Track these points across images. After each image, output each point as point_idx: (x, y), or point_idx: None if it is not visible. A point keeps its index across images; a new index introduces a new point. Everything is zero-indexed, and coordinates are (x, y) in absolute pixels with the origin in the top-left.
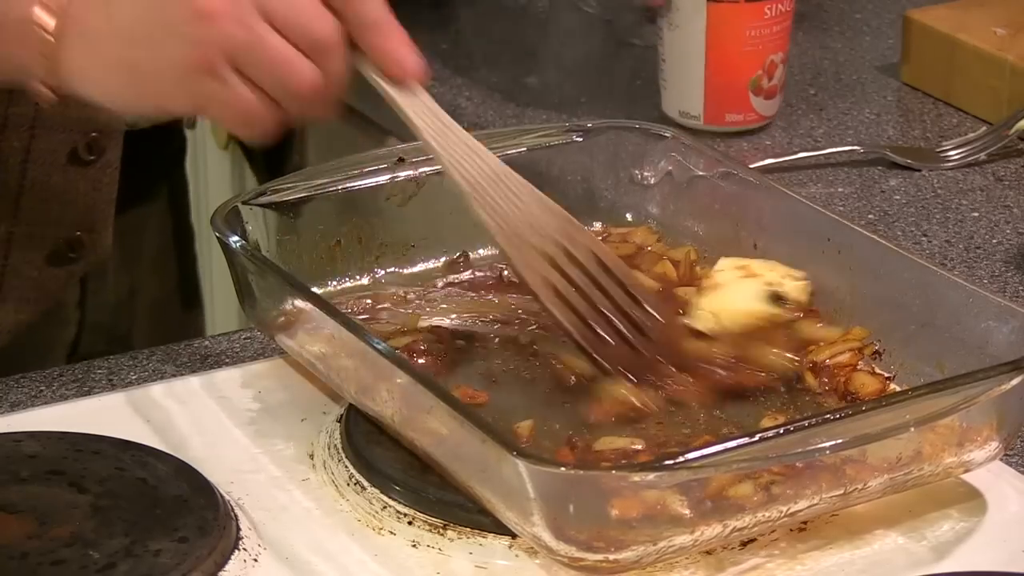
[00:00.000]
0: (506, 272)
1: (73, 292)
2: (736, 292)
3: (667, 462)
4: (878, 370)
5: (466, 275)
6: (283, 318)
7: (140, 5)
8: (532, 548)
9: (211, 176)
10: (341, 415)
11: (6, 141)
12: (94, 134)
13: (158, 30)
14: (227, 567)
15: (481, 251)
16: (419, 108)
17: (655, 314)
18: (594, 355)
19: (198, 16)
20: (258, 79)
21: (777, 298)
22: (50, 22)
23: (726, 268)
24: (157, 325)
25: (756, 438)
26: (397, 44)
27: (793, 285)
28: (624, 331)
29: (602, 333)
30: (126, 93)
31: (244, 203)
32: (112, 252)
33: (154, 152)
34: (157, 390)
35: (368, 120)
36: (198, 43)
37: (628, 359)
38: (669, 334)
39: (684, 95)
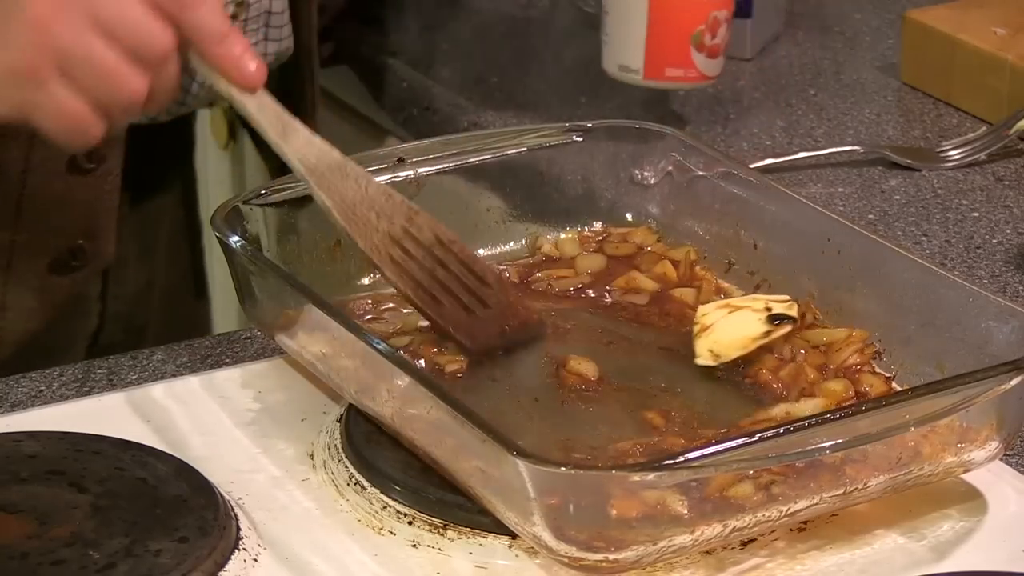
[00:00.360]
0: (506, 273)
1: (95, 285)
2: (730, 324)
3: (667, 462)
4: (878, 369)
5: None
6: (283, 318)
7: None
8: (532, 548)
9: (211, 176)
10: (341, 415)
11: (5, 151)
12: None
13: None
14: (227, 567)
15: (481, 251)
16: (262, 108)
17: (488, 281)
18: (429, 314)
19: (27, 23)
20: (85, 88)
21: (774, 318)
22: None
23: (711, 310)
24: (171, 316)
25: (756, 438)
26: (237, 53)
27: (783, 307)
28: (458, 295)
29: (438, 296)
30: None
31: (244, 203)
32: (119, 249)
33: (166, 145)
34: (157, 390)
35: (368, 120)
36: (25, 49)
37: (462, 319)
38: (500, 298)
39: (624, 49)
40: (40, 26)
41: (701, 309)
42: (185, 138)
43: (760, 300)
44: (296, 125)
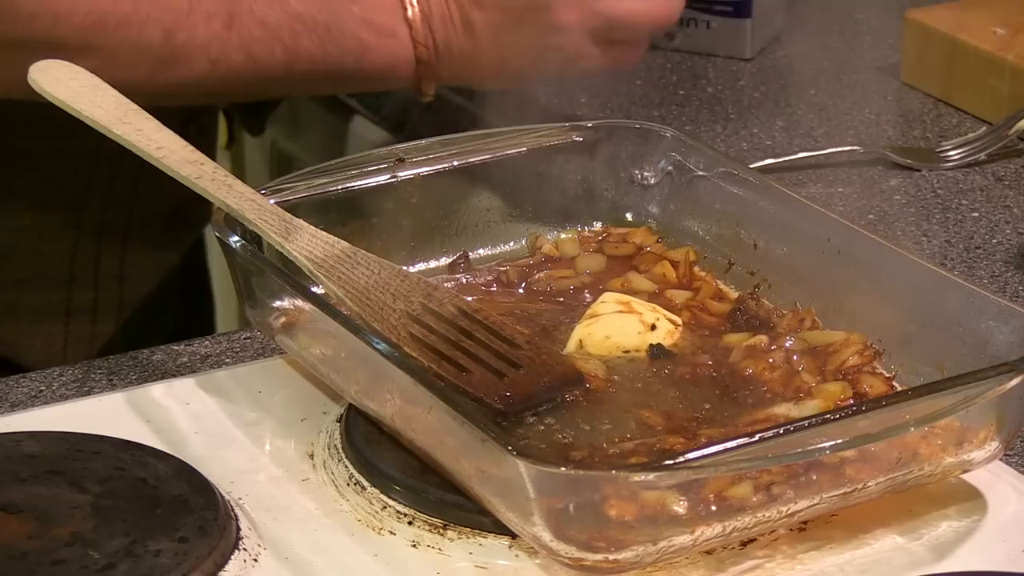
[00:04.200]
0: (506, 273)
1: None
2: (612, 324)
3: (667, 462)
4: (879, 370)
5: (466, 276)
6: (283, 318)
7: (499, 27)
8: (532, 548)
9: None
10: (341, 415)
11: None
12: (201, 117)
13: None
14: (227, 567)
15: (481, 251)
16: (263, 212)
17: (518, 342)
18: (458, 384)
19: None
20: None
21: (655, 350)
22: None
23: (609, 302)
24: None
25: (756, 438)
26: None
27: (667, 328)
28: (487, 361)
29: (465, 365)
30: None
31: None
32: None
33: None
34: (157, 390)
35: (368, 120)
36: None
37: (491, 384)
38: (533, 357)
39: None
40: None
41: (603, 296)
42: (211, 135)
43: (657, 312)
44: (299, 223)
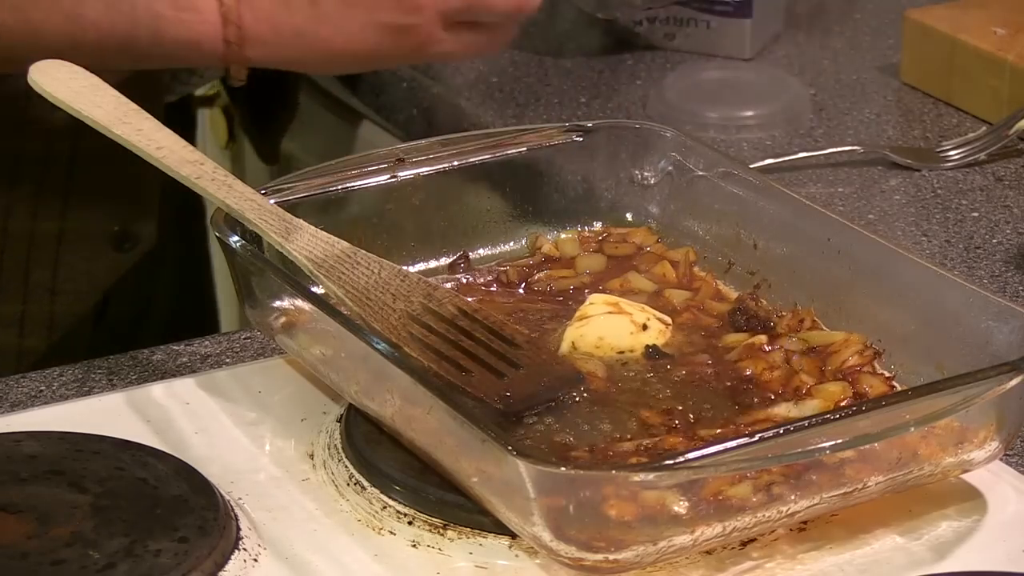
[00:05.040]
0: (506, 273)
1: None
2: (603, 325)
3: (667, 462)
4: (879, 369)
5: (466, 276)
6: (283, 318)
7: (344, 4)
8: (532, 548)
9: None
10: (341, 415)
11: (54, 142)
12: None
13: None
14: (227, 567)
15: (481, 251)
16: (263, 211)
17: (518, 342)
18: (456, 383)
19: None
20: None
21: (651, 351)
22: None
23: (598, 303)
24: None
25: (756, 438)
26: None
27: (658, 327)
28: (487, 361)
29: (464, 365)
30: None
31: None
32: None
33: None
34: (157, 390)
35: (368, 120)
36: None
37: (491, 384)
38: (533, 357)
39: None
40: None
41: (591, 298)
42: (185, 137)
43: (646, 312)
44: (299, 223)
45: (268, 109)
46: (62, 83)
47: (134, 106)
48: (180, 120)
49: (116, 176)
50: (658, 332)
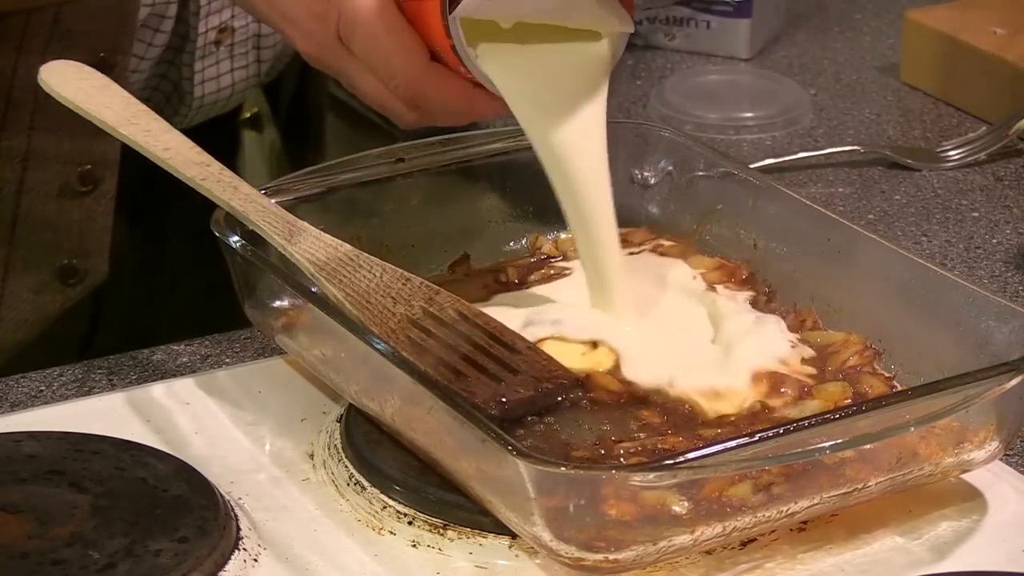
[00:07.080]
0: (506, 273)
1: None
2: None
3: (667, 462)
4: (879, 369)
5: (466, 276)
6: (283, 318)
7: None
8: (532, 548)
9: None
10: (341, 415)
11: (1, 171)
12: (88, 166)
13: None
14: (227, 567)
15: (481, 251)
16: (266, 213)
17: (517, 348)
18: (453, 388)
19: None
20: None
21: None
22: None
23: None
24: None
25: (756, 438)
26: None
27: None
28: (484, 365)
29: (461, 369)
30: None
31: None
32: (118, 260)
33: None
34: (157, 390)
35: (368, 120)
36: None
37: (488, 389)
38: (532, 363)
39: None
40: None
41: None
42: (231, 142)
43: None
44: (302, 226)
45: (300, 126)
46: (72, 83)
47: (143, 107)
48: (227, 142)
49: (63, 211)
50: (608, 352)
